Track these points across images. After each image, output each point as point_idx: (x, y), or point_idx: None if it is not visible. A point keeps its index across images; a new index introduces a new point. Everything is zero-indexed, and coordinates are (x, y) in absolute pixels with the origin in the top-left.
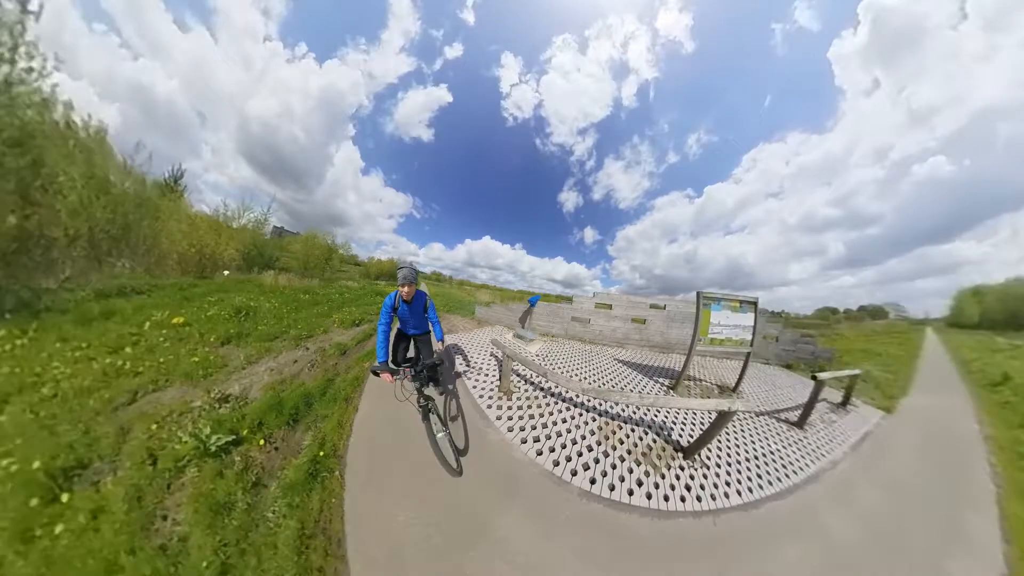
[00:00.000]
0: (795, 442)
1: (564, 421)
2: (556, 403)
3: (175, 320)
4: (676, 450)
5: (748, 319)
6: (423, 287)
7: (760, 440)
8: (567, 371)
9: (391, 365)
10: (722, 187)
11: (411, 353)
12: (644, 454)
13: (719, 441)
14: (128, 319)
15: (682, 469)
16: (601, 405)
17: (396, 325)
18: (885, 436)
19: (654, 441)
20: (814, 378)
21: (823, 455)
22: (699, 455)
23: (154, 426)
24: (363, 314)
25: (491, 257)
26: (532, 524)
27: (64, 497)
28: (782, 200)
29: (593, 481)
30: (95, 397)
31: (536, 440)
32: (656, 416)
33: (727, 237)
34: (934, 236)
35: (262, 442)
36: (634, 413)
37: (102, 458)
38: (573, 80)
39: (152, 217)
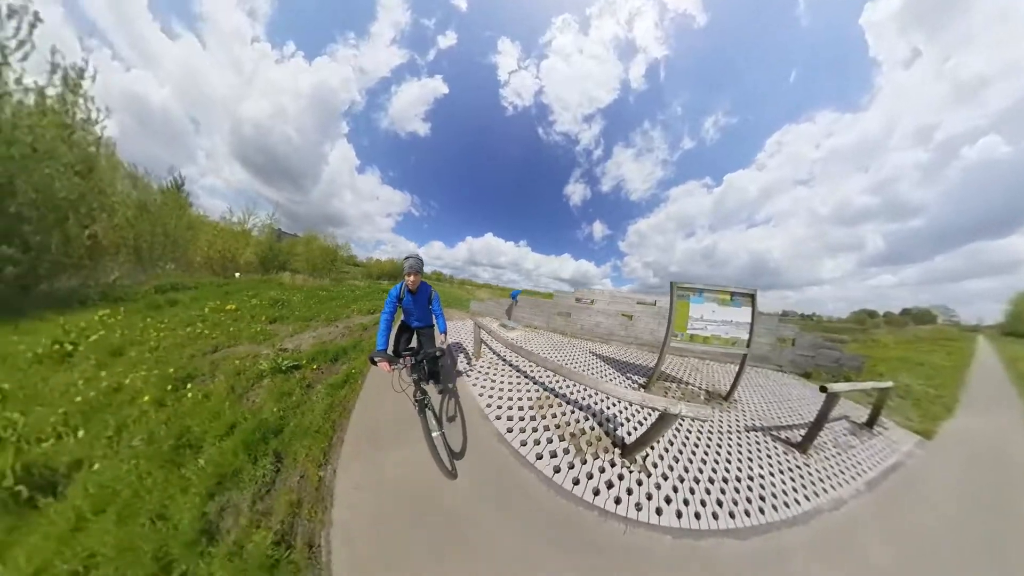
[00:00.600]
0: (790, 468)
1: (517, 389)
2: (518, 377)
3: (228, 307)
4: (614, 444)
5: (742, 315)
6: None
7: (742, 459)
8: (537, 352)
9: (390, 354)
10: (744, 174)
11: (413, 345)
12: (572, 435)
13: (682, 450)
14: (188, 306)
15: (612, 465)
16: (560, 387)
17: (401, 317)
18: (918, 470)
19: (592, 428)
20: (823, 390)
21: (825, 490)
22: (641, 458)
23: (237, 362)
24: (375, 306)
25: (494, 255)
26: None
27: (188, 386)
28: (812, 188)
29: (524, 444)
30: (187, 348)
31: (490, 397)
32: (602, 405)
33: (750, 230)
34: (988, 229)
35: (314, 367)
36: (583, 398)
37: (204, 375)
38: (575, 63)
39: (184, 228)
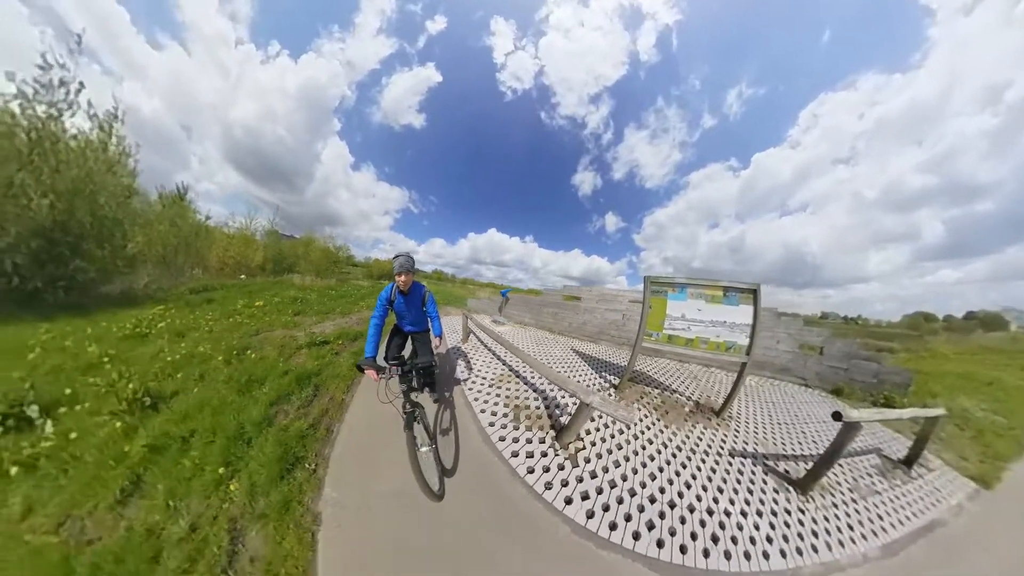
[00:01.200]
0: (774, 511)
1: (499, 382)
2: (503, 369)
3: (257, 303)
4: (552, 427)
5: (740, 314)
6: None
7: (709, 487)
8: (524, 349)
9: (379, 362)
10: (774, 154)
11: (407, 352)
12: (528, 416)
13: (631, 457)
14: (222, 304)
15: (541, 442)
16: (537, 382)
17: (394, 321)
18: (965, 534)
19: (539, 408)
20: (837, 418)
21: (817, 547)
22: (573, 447)
23: (278, 339)
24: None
25: (498, 252)
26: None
27: (247, 352)
28: (855, 167)
29: (492, 424)
30: (234, 332)
31: (476, 398)
32: (558, 394)
33: (783, 219)
34: None
35: (339, 342)
36: (543, 384)
37: (254, 348)
38: (577, 38)
39: (205, 239)
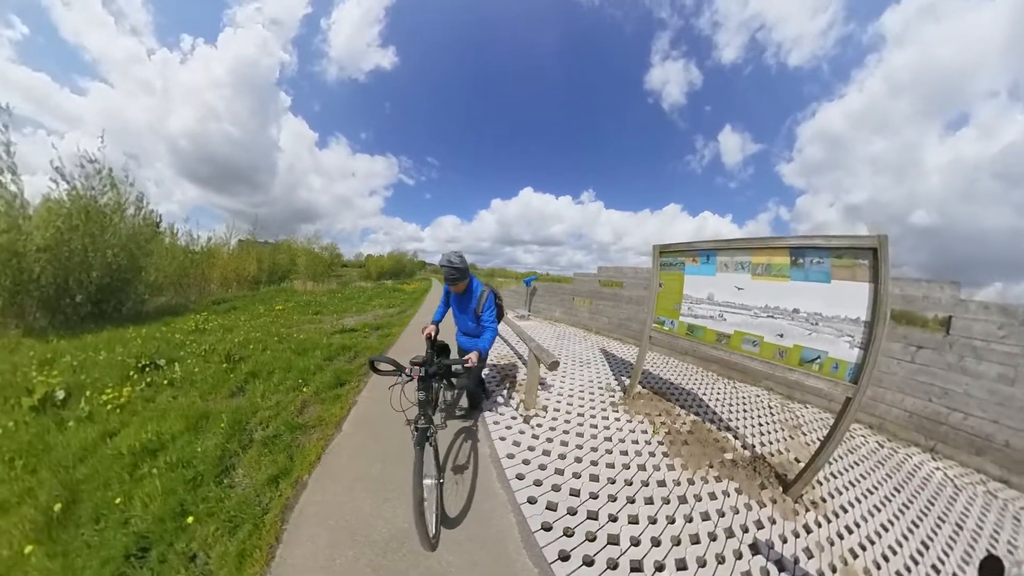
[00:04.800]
0: None
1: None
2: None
3: (278, 307)
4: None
5: (841, 298)
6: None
7: None
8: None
9: (395, 361)
10: None
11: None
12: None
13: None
14: (245, 310)
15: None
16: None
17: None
18: None
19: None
20: None
21: None
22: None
23: (311, 330)
24: (391, 303)
25: (539, 224)
26: None
27: (294, 332)
28: None
29: (520, 477)
30: (271, 327)
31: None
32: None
33: None
34: None
35: (365, 330)
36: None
37: (293, 336)
38: None
39: (208, 264)
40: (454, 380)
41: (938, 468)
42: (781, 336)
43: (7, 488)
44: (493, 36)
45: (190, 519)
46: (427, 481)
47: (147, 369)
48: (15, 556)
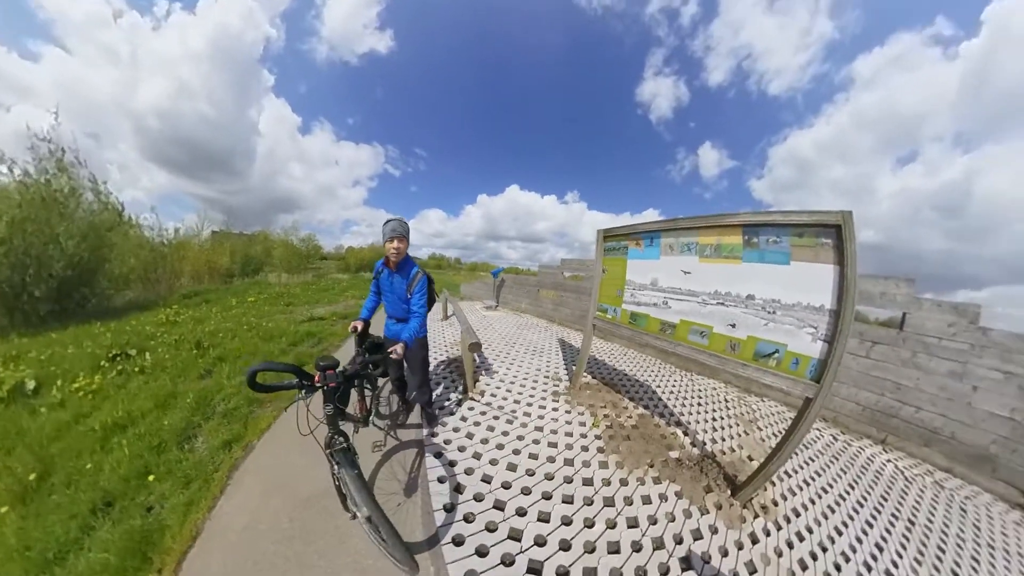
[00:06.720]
0: None
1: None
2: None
3: (250, 299)
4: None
5: (800, 281)
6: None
7: None
8: (495, 333)
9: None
10: None
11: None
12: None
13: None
14: (218, 303)
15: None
16: None
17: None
18: None
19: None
20: None
21: None
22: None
23: (282, 320)
24: (365, 293)
25: (524, 221)
26: None
27: (264, 322)
28: None
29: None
30: (244, 318)
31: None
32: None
33: None
34: None
35: (333, 318)
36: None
37: (262, 326)
38: None
39: (180, 258)
40: (378, 377)
41: (889, 460)
42: (733, 326)
43: None
44: (495, 31)
45: (151, 477)
46: (360, 516)
47: (118, 359)
48: None
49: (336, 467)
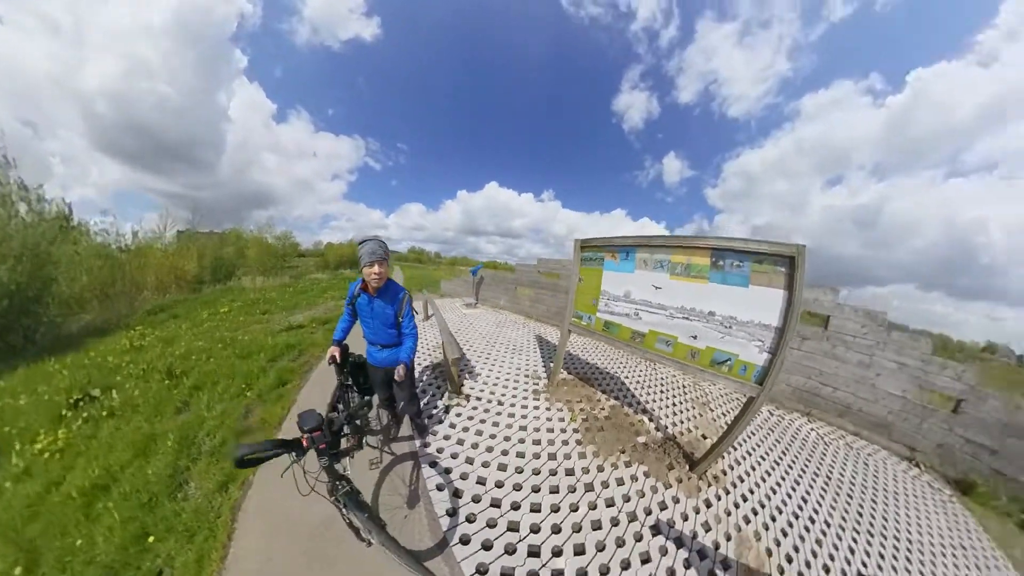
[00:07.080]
0: None
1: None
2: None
3: (223, 309)
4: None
5: (754, 302)
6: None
7: None
8: (475, 332)
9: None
10: (947, 71)
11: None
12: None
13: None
14: (187, 317)
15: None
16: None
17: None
18: None
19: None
20: None
21: None
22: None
23: (259, 331)
24: (344, 294)
25: (503, 217)
26: None
27: (240, 335)
28: None
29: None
30: (217, 331)
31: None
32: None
33: (951, 182)
34: None
35: (312, 325)
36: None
37: (238, 340)
38: None
39: (140, 267)
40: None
41: (812, 429)
42: (695, 338)
43: None
44: (482, 28)
45: (151, 539)
46: (376, 543)
47: (81, 404)
48: None
49: (344, 510)
